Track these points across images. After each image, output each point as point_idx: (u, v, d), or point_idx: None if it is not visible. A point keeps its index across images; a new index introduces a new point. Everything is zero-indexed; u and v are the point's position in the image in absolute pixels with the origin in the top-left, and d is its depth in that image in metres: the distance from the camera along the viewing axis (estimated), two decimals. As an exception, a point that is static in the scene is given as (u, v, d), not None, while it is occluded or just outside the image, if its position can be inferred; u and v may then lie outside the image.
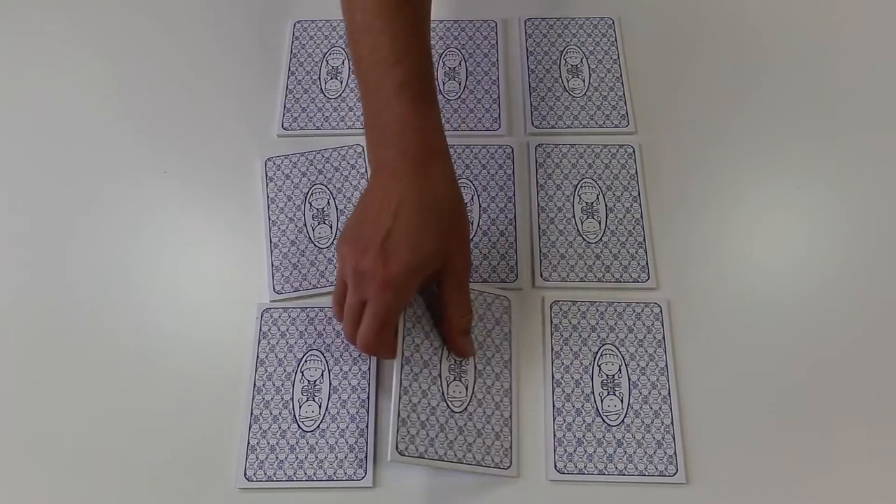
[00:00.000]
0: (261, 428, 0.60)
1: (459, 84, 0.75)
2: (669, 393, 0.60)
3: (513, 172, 0.71)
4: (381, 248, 0.54)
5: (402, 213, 0.54)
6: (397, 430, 0.56)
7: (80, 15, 0.80)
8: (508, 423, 0.60)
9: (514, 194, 0.70)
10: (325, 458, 0.59)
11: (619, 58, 0.76)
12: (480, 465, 0.58)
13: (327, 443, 0.59)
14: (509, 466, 0.58)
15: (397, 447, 0.56)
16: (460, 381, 0.60)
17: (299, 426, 0.60)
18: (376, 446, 0.59)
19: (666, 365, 0.61)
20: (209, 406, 0.61)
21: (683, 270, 0.66)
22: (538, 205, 0.69)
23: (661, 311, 0.63)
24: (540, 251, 0.67)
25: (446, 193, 0.57)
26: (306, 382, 0.62)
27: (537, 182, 0.70)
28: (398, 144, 0.55)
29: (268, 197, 0.70)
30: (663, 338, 0.63)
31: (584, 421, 0.60)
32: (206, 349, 0.64)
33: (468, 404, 0.60)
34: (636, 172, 0.70)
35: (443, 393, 0.60)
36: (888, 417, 0.60)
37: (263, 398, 0.61)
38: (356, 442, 0.59)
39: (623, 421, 0.60)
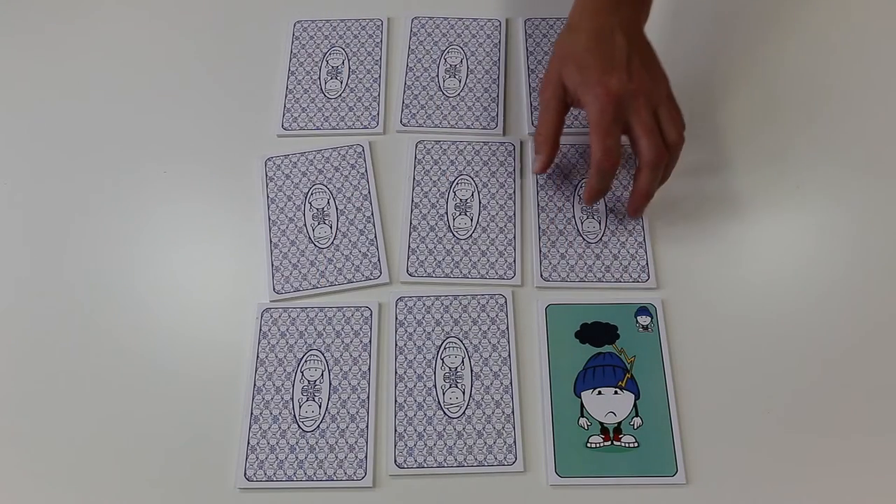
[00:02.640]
0: (261, 428, 0.60)
1: (459, 81, 0.75)
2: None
3: (514, 170, 0.71)
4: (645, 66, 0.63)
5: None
6: (395, 445, 0.59)
7: (80, 14, 0.80)
8: (511, 419, 0.60)
9: (514, 192, 0.70)
10: (325, 458, 0.59)
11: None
12: (483, 465, 0.58)
13: (327, 443, 0.59)
14: (514, 462, 0.58)
15: (395, 461, 0.58)
16: (456, 386, 0.61)
17: (299, 426, 0.60)
18: (376, 446, 0.59)
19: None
20: (209, 406, 0.61)
21: (683, 270, 0.66)
22: (538, 204, 0.69)
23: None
24: (540, 251, 0.67)
25: None
26: (306, 382, 0.62)
27: (538, 181, 0.70)
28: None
29: (268, 197, 0.70)
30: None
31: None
32: (206, 349, 0.64)
33: (466, 408, 0.60)
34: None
35: (439, 402, 0.60)
36: (887, 417, 0.60)
37: (263, 398, 0.61)
38: (356, 442, 0.59)
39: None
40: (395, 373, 0.62)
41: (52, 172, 0.72)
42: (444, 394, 0.61)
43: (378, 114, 0.74)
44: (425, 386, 0.61)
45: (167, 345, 0.64)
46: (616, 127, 0.61)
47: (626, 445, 0.59)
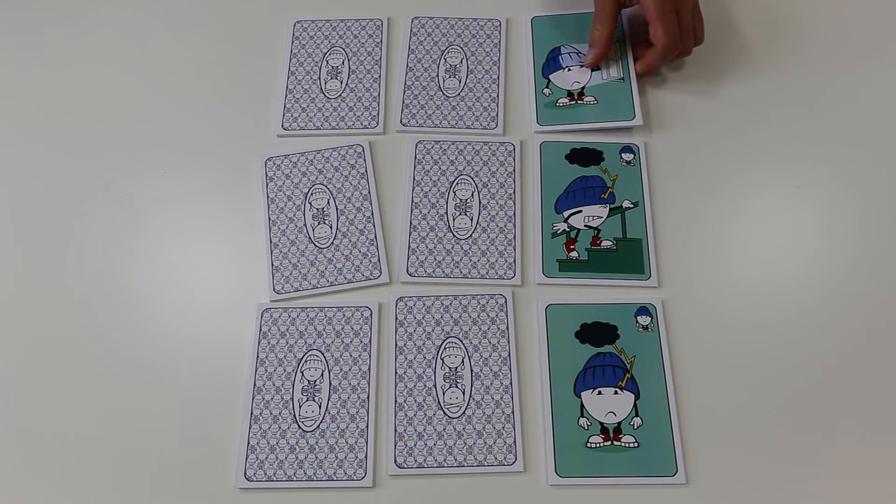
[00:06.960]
0: (261, 428, 0.60)
1: (459, 81, 0.75)
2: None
3: (514, 170, 0.71)
4: None
5: None
6: (395, 445, 0.59)
7: (79, 15, 0.80)
8: (511, 419, 0.60)
9: (514, 192, 0.69)
10: (325, 458, 0.59)
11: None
12: (483, 465, 0.58)
13: (327, 443, 0.59)
14: (514, 462, 0.58)
15: (395, 461, 0.58)
16: (456, 386, 0.61)
17: (299, 426, 0.60)
18: (376, 446, 0.59)
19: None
20: (209, 406, 0.61)
21: (684, 268, 0.66)
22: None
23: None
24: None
25: None
26: (306, 382, 0.62)
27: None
28: None
29: (268, 197, 0.70)
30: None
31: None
32: (206, 349, 0.64)
33: (466, 408, 0.60)
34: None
35: (439, 402, 0.60)
36: (887, 418, 0.60)
37: (263, 398, 0.61)
38: (356, 442, 0.59)
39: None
40: (395, 373, 0.62)
41: (52, 173, 0.72)
42: (444, 394, 0.61)
43: (378, 114, 0.74)
44: (425, 386, 0.61)
45: (167, 345, 0.64)
46: (674, 15, 0.70)
47: (626, 445, 0.59)
